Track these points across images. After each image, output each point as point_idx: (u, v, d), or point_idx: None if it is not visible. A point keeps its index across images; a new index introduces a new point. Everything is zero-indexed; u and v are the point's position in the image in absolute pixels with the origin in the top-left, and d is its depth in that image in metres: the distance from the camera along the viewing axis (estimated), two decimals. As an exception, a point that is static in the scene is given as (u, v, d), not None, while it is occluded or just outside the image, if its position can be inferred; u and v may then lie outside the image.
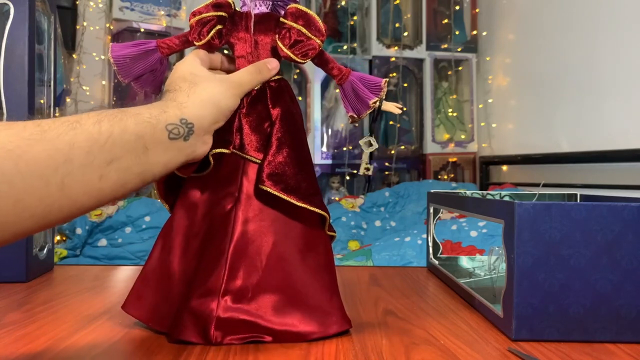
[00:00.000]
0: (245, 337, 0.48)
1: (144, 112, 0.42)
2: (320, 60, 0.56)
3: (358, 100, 0.56)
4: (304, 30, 0.53)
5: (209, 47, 0.54)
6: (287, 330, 0.48)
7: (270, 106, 0.53)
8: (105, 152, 0.38)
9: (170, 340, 0.48)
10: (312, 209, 0.50)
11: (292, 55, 0.53)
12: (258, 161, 0.51)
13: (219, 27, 0.53)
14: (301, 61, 0.54)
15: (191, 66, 0.49)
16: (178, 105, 0.45)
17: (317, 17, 0.53)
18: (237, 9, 0.56)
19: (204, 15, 0.54)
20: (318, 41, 0.53)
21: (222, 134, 0.51)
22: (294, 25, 0.53)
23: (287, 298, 0.49)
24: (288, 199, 0.49)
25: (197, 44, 0.54)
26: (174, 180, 0.54)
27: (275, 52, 0.55)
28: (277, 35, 0.53)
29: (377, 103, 0.55)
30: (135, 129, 0.40)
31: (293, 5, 0.54)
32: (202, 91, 0.47)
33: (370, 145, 0.58)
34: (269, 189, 0.49)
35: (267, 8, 0.55)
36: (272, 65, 0.52)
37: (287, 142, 0.51)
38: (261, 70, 0.51)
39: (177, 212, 0.53)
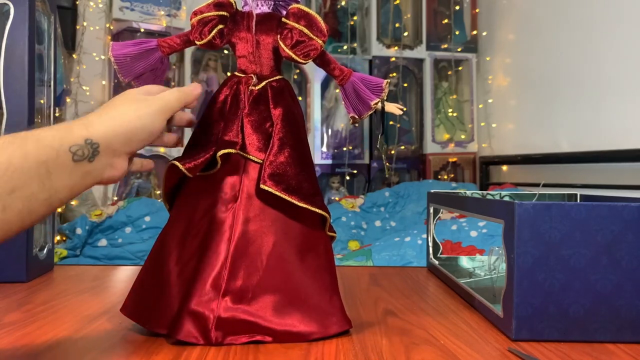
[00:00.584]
0: (246, 338, 0.48)
1: (47, 135, 0.39)
2: (322, 60, 0.56)
3: (359, 101, 0.56)
4: (305, 30, 0.53)
5: (211, 46, 0.54)
6: (288, 330, 0.48)
7: (271, 106, 0.53)
8: (6, 182, 0.36)
9: (170, 341, 0.48)
10: (313, 209, 0.50)
11: (293, 56, 0.53)
12: (259, 161, 0.51)
13: (220, 26, 0.53)
14: (303, 62, 0.54)
15: (130, 91, 0.46)
16: (85, 124, 0.42)
17: (319, 18, 0.53)
18: (238, 8, 0.56)
19: (205, 14, 0.54)
20: (320, 42, 0.53)
21: (228, 135, 0.51)
22: (296, 25, 0.53)
23: (287, 298, 0.49)
24: (289, 199, 0.49)
25: (198, 43, 0.54)
26: (177, 181, 0.54)
27: (276, 52, 0.55)
28: (278, 36, 0.53)
29: (379, 104, 0.56)
30: (37, 154, 0.38)
31: (295, 5, 0.54)
32: (116, 110, 0.43)
33: (382, 145, 0.58)
34: (270, 189, 0.49)
35: (268, 8, 0.55)
36: (196, 92, 0.50)
37: (289, 142, 0.51)
38: (187, 94, 0.48)
39: (176, 212, 0.53)
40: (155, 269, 0.52)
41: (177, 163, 0.49)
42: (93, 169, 0.41)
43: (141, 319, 0.51)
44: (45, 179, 0.38)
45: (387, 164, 0.65)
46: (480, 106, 3.05)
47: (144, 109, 0.44)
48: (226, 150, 0.50)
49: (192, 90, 0.49)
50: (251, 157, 0.51)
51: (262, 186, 0.49)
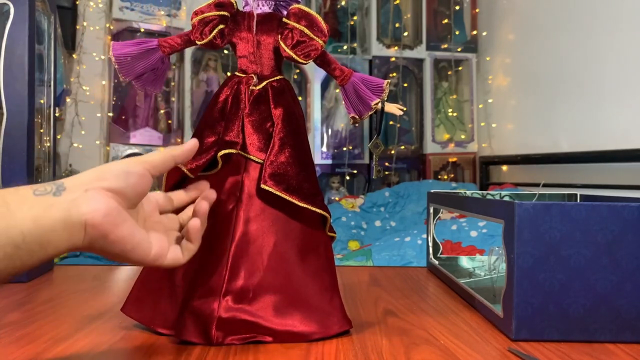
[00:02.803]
0: (246, 338, 0.48)
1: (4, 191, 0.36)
2: (323, 60, 0.56)
3: (360, 101, 0.56)
4: (306, 30, 0.53)
5: (211, 46, 0.54)
6: (288, 330, 0.48)
7: (272, 106, 0.53)
8: None
9: (173, 341, 0.48)
10: (313, 209, 0.50)
11: (294, 56, 0.53)
12: (260, 161, 0.51)
13: (221, 26, 0.53)
14: (303, 62, 0.54)
15: None
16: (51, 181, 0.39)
17: (319, 18, 0.53)
18: (239, 8, 0.56)
19: (206, 14, 0.54)
20: (320, 42, 0.53)
21: (229, 135, 0.51)
22: (297, 25, 0.53)
23: (288, 298, 0.49)
24: (290, 199, 0.49)
25: (199, 43, 0.54)
26: (179, 180, 0.54)
27: (277, 52, 0.55)
28: (279, 36, 0.53)
29: (379, 104, 0.56)
30: None
31: (296, 5, 0.54)
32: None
33: (377, 146, 0.58)
34: (271, 189, 0.49)
35: (269, 8, 0.55)
36: (187, 147, 0.45)
37: (289, 142, 0.51)
38: (174, 149, 0.44)
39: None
40: (157, 269, 0.52)
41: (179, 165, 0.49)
42: (60, 201, 0.36)
43: (143, 318, 0.51)
44: (2, 206, 0.34)
45: (377, 166, 0.65)
46: (480, 106, 3.05)
47: (126, 161, 0.41)
48: (227, 151, 0.50)
49: (183, 146, 0.45)
50: (252, 157, 0.51)
51: (262, 186, 0.49)
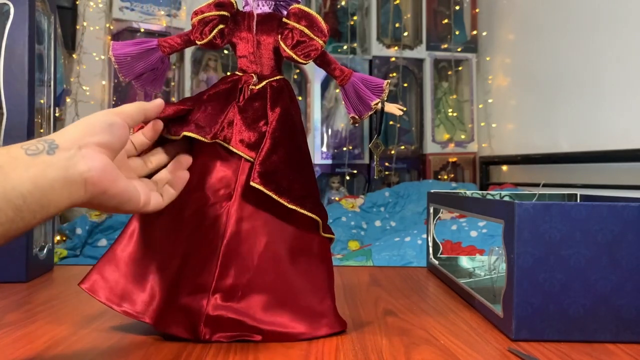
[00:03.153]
0: (234, 336, 0.48)
1: None
2: (323, 60, 0.56)
3: (360, 102, 0.56)
4: (306, 30, 0.52)
5: (211, 46, 0.54)
6: (276, 330, 0.48)
7: (269, 106, 0.52)
8: None
9: (157, 334, 0.48)
10: (302, 211, 0.50)
11: (294, 56, 0.53)
12: (249, 158, 0.50)
13: (221, 26, 0.53)
14: (303, 62, 0.54)
15: None
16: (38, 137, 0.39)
17: (319, 18, 0.53)
18: (239, 8, 0.56)
19: (206, 14, 0.54)
20: (320, 42, 0.53)
21: (204, 121, 0.50)
22: (297, 25, 0.53)
23: (277, 298, 0.49)
24: (279, 199, 0.49)
25: (199, 43, 0.54)
26: None
27: (277, 52, 0.55)
28: (279, 36, 0.53)
29: (379, 104, 0.55)
30: None
31: (296, 5, 0.54)
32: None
33: (378, 146, 0.58)
34: (259, 187, 0.48)
35: (269, 8, 0.55)
36: (155, 103, 0.48)
37: (284, 142, 0.51)
38: (145, 104, 0.47)
39: (165, 206, 0.52)
40: (132, 254, 0.51)
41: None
42: (56, 160, 0.36)
43: (103, 296, 0.50)
44: None
45: (378, 166, 0.66)
46: (480, 106, 3.05)
47: (105, 111, 0.43)
48: (188, 134, 0.49)
49: (154, 101, 0.47)
50: (239, 152, 0.50)
51: (252, 183, 0.48)
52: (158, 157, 0.50)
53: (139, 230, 0.52)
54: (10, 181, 0.33)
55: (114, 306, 0.49)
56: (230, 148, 0.50)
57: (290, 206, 0.49)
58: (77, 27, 2.56)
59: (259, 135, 0.51)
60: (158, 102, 0.47)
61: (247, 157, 0.50)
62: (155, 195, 0.45)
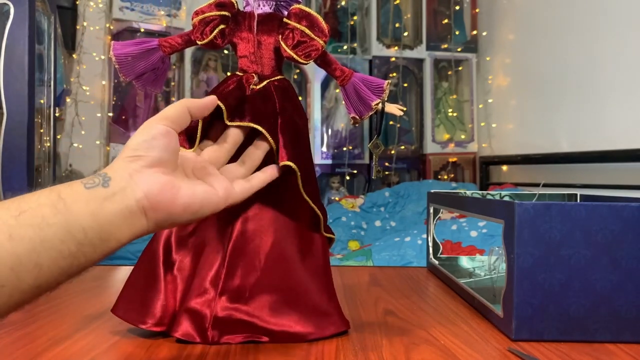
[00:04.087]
0: (242, 337, 0.48)
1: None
2: (323, 61, 0.56)
3: (360, 102, 0.56)
4: (307, 31, 0.52)
5: (212, 46, 0.54)
6: (284, 330, 0.48)
7: (277, 102, 0.52)
8: (14, 207, 0.32)
9: (175, 340, 0.48)
10: (313, 205, 0.51)
11: (295, 56, 0.53)
12: (271, 142, 0.50)
13: (222, 26, 0.53)
14: (304, 62, 0.54)
15: None
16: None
17: (320, 18, 0.53)
18: (240, 8, 0.56)
19: (207, 14, 0.54)
20: (321, 42, 0.53)
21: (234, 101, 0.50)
22: (298, 25, 0.53)
23: (284, 298, 0.49)
24: (300, 183, 0.49)
25: (199, 43, 0.54)
26: None
27: (278, 53, 0.55)
28: (280, 36, 0.53)
29: (380, 105, 0.56)
30: (48, 195, 0.34)
31: (296, 5, 0.54)
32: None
33: (377, 146, 0.58)
34: (290, 163, 0.48)
35: (270, 8, 0.55)
36: (205, 102, 0.45)
37: (291, 141, 0.51)
38: (190, 101, 0.44)
39: None
40: (149, 267, 0.51)
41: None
42: (111, 192, 0.35)
43: (130, 317, 0.50)
44: (58, 202, 0.33)
45: (377, 166, 0.66)
46: (480, 106, 3.05)
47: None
48: (240, 123, 0.48)
49: (200, 100, 0.44)
50: (263, 130, 0.49)
51: (282, 163, 0.48)
52: (231, 137, 0.48)
53: (152, 239, 0.52)
54: (73, 214, 0.33)
55: (136, 324, 0.49)
56: (257, 127, 0.49)
57: (305, 197, 0.50)
58: (77, 27, 2.56)
59: (274, 127, 0.51)
60: (206, 102, 0.43)
61: (269, 137, 0.49)
62: (239, 183, 0.44)
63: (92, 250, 0.34)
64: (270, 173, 0.48)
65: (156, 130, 0.39)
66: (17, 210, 0.31)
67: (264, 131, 0.49)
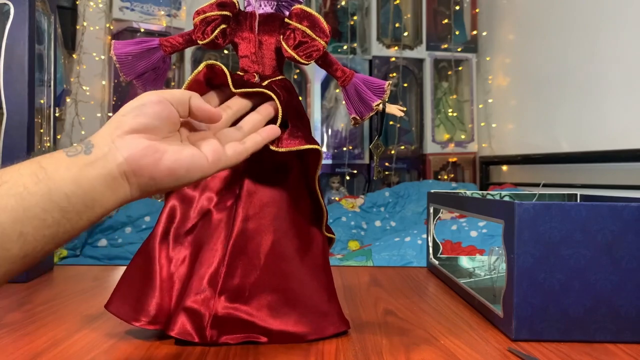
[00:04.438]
0: (241, 337, 0.48)
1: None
2: (324, 61, 0.56)
3: (361, 103, 0.57)
4: (308, 31, 0.53)
5: (213, 46, 0.54)
6: (284, 330, 0.48)
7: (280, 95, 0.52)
8: None
9: (166, 337, 0.48)
10: (320, 199, 0.51)
11: (296, 56, 0.53)
12: (277, 102, 0.49)
13: (223, 26, 0.53)
14: (305, 62, 0.54)
15: None
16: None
17: (321, 19, 0.53)
18: (241, 8, 0.56)
19: (208, 14, 0.54)
20: (322, 42, 0.53)
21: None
22: (299, 26, 0.53)
23: (284, 298, 0.49)
24: (310, 146, 0.48)
25: (200, 42, 0.54)
26: None
27: (279, 53, 0.55)
28: (281, 36, 0.53)
29: (380, 105, 0.56)
30: (29, 165, 0.34)
31: (298, 6, 0.54)
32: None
33: (378, 147, 0.58)
34: (287, 148, 0.48)
35: (271, 8, 0.55)
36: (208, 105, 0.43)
37: (302, 127, 0.51)
38: (197, 95, 0.43)
39: (170, 206, 0.52)
40: (145, 263, 0.51)
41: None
42: (94, 159, 0.35)
43: (129, 315, 0.49)
44: (39, 171, 0.33)
45: (378, 167, 0.66)
46: (480, 106, 3.05)
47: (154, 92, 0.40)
48: (252, 90, 0.48)
49: (209, 108, 0.43)
50: (270, 93, 0.49)
51: (309, 146, 0.48)
52: (236, 104, 0.47)
53: (150, 236, 0.52)
54: (54, 182, 0.33)
55: (133, 322, 0.49)
56: (267, 92, 0.49)
57: (316, 187, 0.50)
58: (77, 27, 2.56)
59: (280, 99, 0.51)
60: (213, 112, 0.42)
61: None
62: (232, 145, 0.42)
63: (77, 217, 0.34)
64: (266, 135, 0.46)
65: (147, 99, 0.38)
66: None
67: (272, 95, 0.48)
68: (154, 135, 0.38)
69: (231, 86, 0.48)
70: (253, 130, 0.47)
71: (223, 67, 0.48)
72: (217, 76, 0.49)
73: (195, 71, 0.49)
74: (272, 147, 0.48)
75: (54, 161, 0.34)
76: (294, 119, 0.50)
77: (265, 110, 0.48)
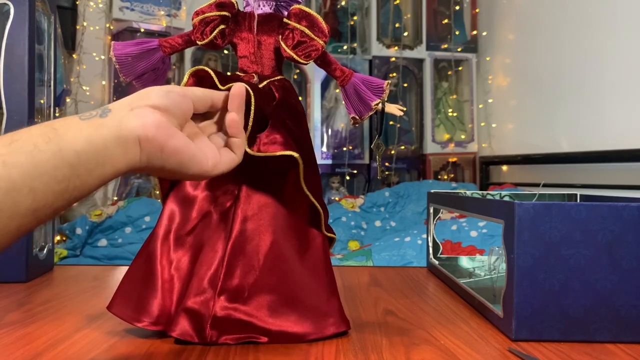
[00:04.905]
0: (241, 337, 0.48)
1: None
2: (323, 61, 0.56)
3: (360, 102, 0.57)
4: (307, 31, 0.53)
5: (212, 47, 0.54)
6: (283, 331, 0.48)
7: (276, 95, 0.52)
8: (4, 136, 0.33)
9: (166, 338, 0.48)
10: (314, 201, 0.50)
11: (295, 56, 0.53)
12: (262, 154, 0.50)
13: (222, 26, 0.54)
14: (304, 62, 0.54)
15: None
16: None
17: (320, 19, 0.53)
18: (240, 9, 0.56)
19: (207, 14, 0.54)
20: (321, 42, 0.53)
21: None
22: (298, 26, 0.53)
23: (283, 298, 0.49)
24: (290, 152, 0.48)
25: (199, 43, 0.54)
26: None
27: (278, 53, 0.55)
28: (280, 36, 0.53)
29: (380, 105, 0.56)
30: (40, 127, 0.34)
31: (296, 6, 0.54)
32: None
33: (379, 147, 0.58)
34: (266, 153, 0.48)
35: (270, 8, 0.55)
36: (235, 91, 0.44)
37: (293, 140, 0.51)
38: (214, 95, 0.44)
39: (169, 207, 0.52)
40: (146, 265, 0.51)
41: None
42: (108, 121, 0.36)
43: (126, 315, 0.50)
44: (50, 132, 0.34)
45: (380, 166, 0.67)
46: (480, 106, 3.05)
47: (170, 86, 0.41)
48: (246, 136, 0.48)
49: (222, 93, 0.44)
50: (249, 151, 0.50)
51: (249, 150, 0.47)
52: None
53: (150, 237, 0.52)
54: (65, 141, 0.33)
55: (135, 323, 0.49)
56: (251, 152, 0.49)
57: (305, 190, 0.50)
58: (77, 27, 2.56)
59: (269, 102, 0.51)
60: (231, 95, 0.43)
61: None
62: (225, 152, 0.43)
63: (87, 173, 0.34)
64: (241, 135, 0.45)
65: (173, 88, 0.40)
66: (8, 140, 0.32)
67: (246, 86, 0.46)
68: (170, 117, 0.39)
69: (219, 85, 0.47)
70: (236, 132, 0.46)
71: (207, 69, 0.48)
72: (205, 80, 0.49)
73: (182, 83, 0.49)
74: (249, 151, 0.47)
75: (66, 124, 0.35)
76: (284, 119, 0.50)
77: (234, 103, 0.45)
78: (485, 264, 0.82)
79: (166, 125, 0.38)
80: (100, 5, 2.59)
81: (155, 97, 0.39)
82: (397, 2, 3.04)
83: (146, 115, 0.37)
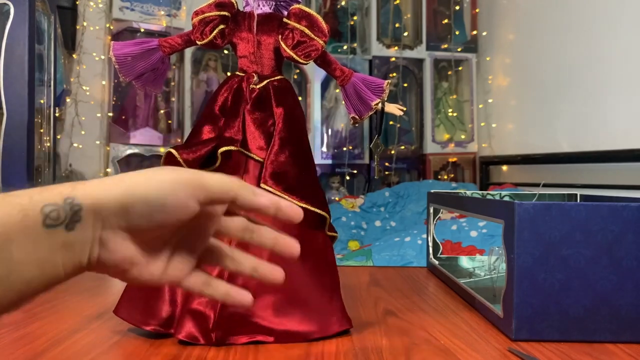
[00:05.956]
0: (246, 338, 0.48)
1: (21, 192, 0.28)
2: (323, 61, 0.56)
3: (360, 102, 0.57)
4: (307, 31, 0.53)
5: (212, 46, 0.54)
6: (288, 330, 0.48)
7: (274, 104, 0.53)
8: None
9: (176, 340, 0.48)
10: (312, 209, 0.50)
11: (294, 56, 0.53)
12: (260, 160, 0.51)
13: (221, 26, 0.54)
14: (304, 62, 0.54)
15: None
16: (76, 183, 0.30)
17: (320, 18, 0.53)
18: (240, 8, 0.56)
19: (206, 14, 0.54)
20: (321, 42, 0.53)
21: (229, 131, 0.51)
22: (297, 26, 0.53)
23: (287, 298, 0.49)
24: (289, 199, 0.49)
25: (199, 43, 0.54)
26: None
27: (277, 53, 0.55)
28: (280, 36, 0.53)
29: (379, 104, 0.56)
30: None
31: (296, 6, 0.55)
32: (128, 175, 0.31)
33: (378, 146, 0.58)
34: (270, 189, 0.49)
35: (270, 8, 0.55)
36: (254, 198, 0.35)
37: (290, 142, 0.51)
38: (238, 184, 0.34)
39: None
40: None
41: (174, 151, 0.49)
42: (72, 241, 0.29)
43: (133, 319, 0.50)
44: (3, 247, 0.27)
45: (378, 166, 0.67)
46: (480, 106, 3.05)
47: (165, 174, 0.31)
48: (227, 148, 0.50)
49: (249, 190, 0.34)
50: (252, 155, 0.51)
51: (262, 185, 0.49)
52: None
53: None
54: (16, 266, 0.27)
55: (140, 326, 0.49)
56: (248, 154, 0.51)
57: (301, 204, 0.49)
58: (77, 27, 2.56)
59: (268, 136, 0.52)
60: (260, 201, 0.35)
61: (258, 159, 0.51)
62: (196, 275, 0.36)
63: (33, 294, 0.29)
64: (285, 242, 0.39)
65: (173, 200, 0.31)
66: None
67: (253, 155, 0.50)
68: (143, 241, 0.32)
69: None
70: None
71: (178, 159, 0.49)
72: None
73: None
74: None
75: (23, 229, 0.28)
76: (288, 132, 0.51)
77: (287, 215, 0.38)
78: (485, 264, 0.82)
79: (127, 263, 0.32)
80: (100, 5, 2.59)
81: (137, 215, 0.30)
82: (397, 2, 3.04)
83: (119, 251, 0.31)
